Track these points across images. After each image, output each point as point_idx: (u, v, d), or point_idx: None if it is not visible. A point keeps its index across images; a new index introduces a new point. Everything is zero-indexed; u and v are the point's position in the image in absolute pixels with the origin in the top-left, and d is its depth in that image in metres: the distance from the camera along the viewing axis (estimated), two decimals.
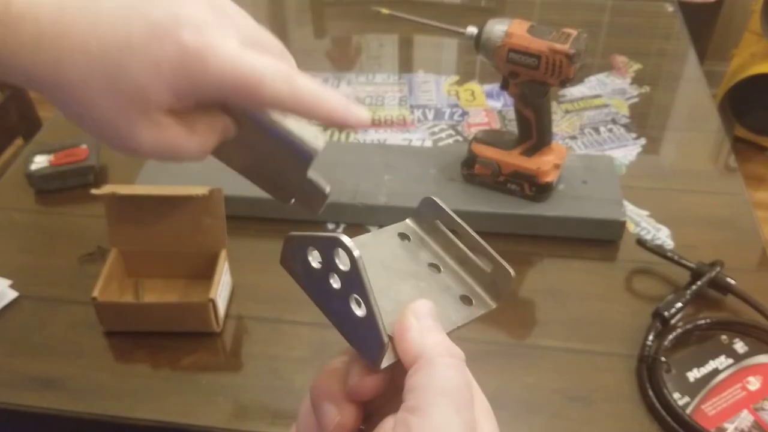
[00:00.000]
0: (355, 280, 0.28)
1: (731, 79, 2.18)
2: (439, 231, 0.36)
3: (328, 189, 0.37)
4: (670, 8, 1.41)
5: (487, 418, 0.30)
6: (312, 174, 0.37)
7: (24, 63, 0.31)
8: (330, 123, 0.35)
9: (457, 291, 0.34)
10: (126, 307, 0.74)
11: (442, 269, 0.35)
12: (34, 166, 0.94)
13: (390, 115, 1.09)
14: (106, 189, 0.74)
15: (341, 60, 1.30)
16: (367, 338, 0.29)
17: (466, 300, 0.34)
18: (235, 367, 0.72)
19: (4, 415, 0.68)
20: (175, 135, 0.34)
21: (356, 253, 0.28)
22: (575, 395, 0.68)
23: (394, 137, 1.04)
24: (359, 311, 0.29)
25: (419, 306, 0.31)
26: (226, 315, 0.75)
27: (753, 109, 2.26)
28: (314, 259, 0.31)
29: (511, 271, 0.33)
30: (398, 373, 0.30)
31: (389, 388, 0.31)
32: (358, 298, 0.29)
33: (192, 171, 0.90)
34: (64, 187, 0.94)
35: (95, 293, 0.71)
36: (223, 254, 0.76)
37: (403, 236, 0.36)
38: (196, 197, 0.73)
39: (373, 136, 1.05)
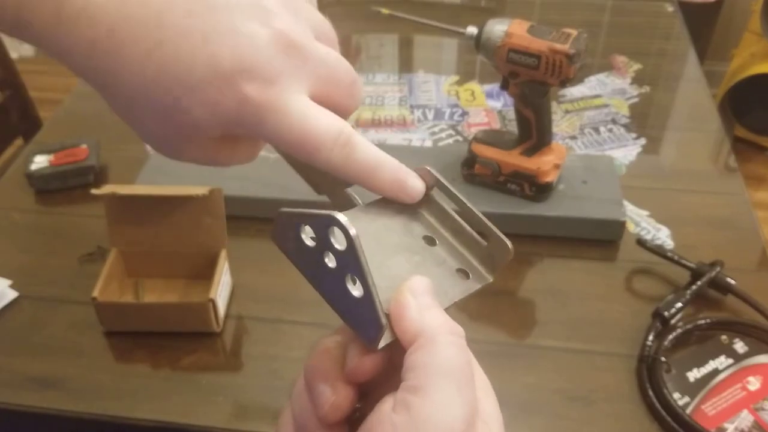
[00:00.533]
0: (351, 260, 0.28)
1: (731, 79, 2.18)
2: (433, 202, 0.35)
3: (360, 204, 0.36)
4: (670, 8, 1.41)
5: (487, 393, 0.30)
6: (350, 191, 0.36)
7: (76, 64, 0.29)
8: (385, 196, 0.34)
9: (453, 264, 0.34)
10: (126, 307, 0.74)
11: (437, 242, 0.34)
12: (34, 166, 0.94)
13: (390, 115, 1.09)
14: (106, 189, 0.74)
15: None
16: (363, 318, 0.29)
17: (462, 273, 0.33)
18: (235, 367, 0.72)
19: (4, 415, 0.68)
20: (223, 151, 0.33)
21: (353, 232, 0.27)
22: (575, 395, 0.68)
23: (394, 137, 1.04)
24: (355, 291, 0.29)
25: (416, 283, 0.30)
26: (226, 315, 0.75)
27: (753, 109, 2.26)
28: (307, 237, 0.30)
29: (509, 244, 0.32)
30: (396, 351, 0.29)
31: (386, 367, 0.31)
32: (355, 277, 0.28)
33: (192, 171, 0.90)
34: (64, 187, 0.94)
35: (95, 293, 0.71)
36: (223, 254, 0.76)
37: (396, 208, 0.35)
38: (196, 197, 0.73)
39: (373, 136, 1.05)
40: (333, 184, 0.36)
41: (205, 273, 0.75)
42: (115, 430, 0.67)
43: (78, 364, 0.71)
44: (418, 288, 0.30)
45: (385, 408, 0.28)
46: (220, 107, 0.29)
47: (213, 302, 0.71)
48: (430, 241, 0.34)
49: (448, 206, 0.35)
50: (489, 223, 0.33)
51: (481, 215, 0.33)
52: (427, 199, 0.35)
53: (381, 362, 0.30)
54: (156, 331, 0.73)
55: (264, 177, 0.88)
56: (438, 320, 0.29)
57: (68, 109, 1.13)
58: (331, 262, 0.29)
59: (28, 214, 0.93)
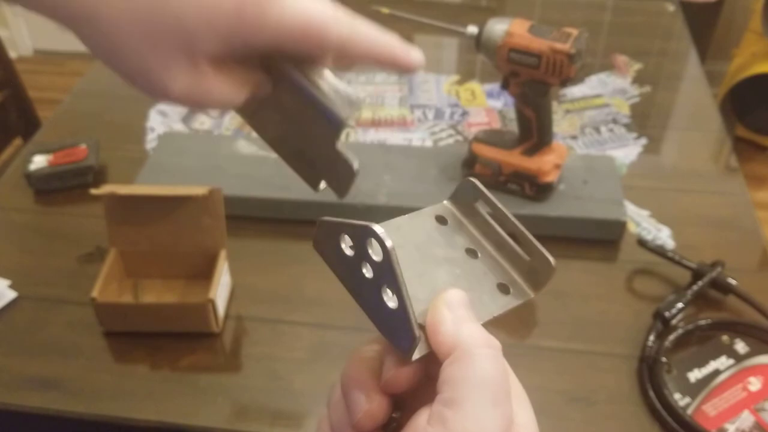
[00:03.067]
0: (387, 272, 0.28)
1: (732, 79, 2.18)
2: (477, 214, 0.35)
3: (356, 165, 0.35)
4: (671, 8, 1.41)
5: (522, 405, 0.30)
6: (341, 147, 0.35)
7: None
8: (391, 64, 0.34)
9: (494, 279, 0.33)
10: (125, 307, 0.74)
11: (479, 255, 0.34)
12: (33, 166, 0.94)
13: (390, 115, 1.09)
14: (106, 189, 0.73)
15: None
16: (398, 329, 0.29)
17: (503, 288, 0.33)
18: (234, 368, 0.71)
19: (4, 415, 0.68)
20: (211, 84, 0.32)
21: (389, 244, 0.27)
22: (576, 396, 0.68)
23: (394, 137, 1.04)
24: (391, 302, 0.29)
25: (452, 296, 0.30)
26: (226, 315, 0.75)
27: (754, 109, 2.25)
28: (346, 246, 0.30)
29: (552, 260, 0.32)
30: (432, 363, 0.29)
31: (423, 378, 0.30)
32: (390, 288, 0.28)
33: (192, 171, 0.90)
34: (63, 187, 0.94)
35: (94, 293, 0.70)
36: (223, 254, 0.75)
37: (440, 219, 0.35)
38: (196, 197, 0.73)
39: (373, 136, 1.04)
40: (325, 147, 0.35)
41: (205, 273, 0.74)
42: (115, 431, 0.67)
43: (77, 365, 0.71)
44: (454, 300, 0.30)
45: (421, 421, 0.28)
46: (219, 7, 0.28)
47: (212, 302, 0.71)
48: (472, 253, 0.34)
49: (492, 219, 0.35)
50: (532, 238, 0.33)
51: (524, 230, 0.33)
52: (471, 212, 0.35)
53: (416, 374, 0.30)
54: (155, 331, 0.73)
55: (264, 177, 0.87)
56: (474, 333, 0.29)
57: (67, 109, 1.13)
58: (368, 272, 0.30)
59: (27, 214, 0.93)
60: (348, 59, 0.34)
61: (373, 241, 0.28)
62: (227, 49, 0.30)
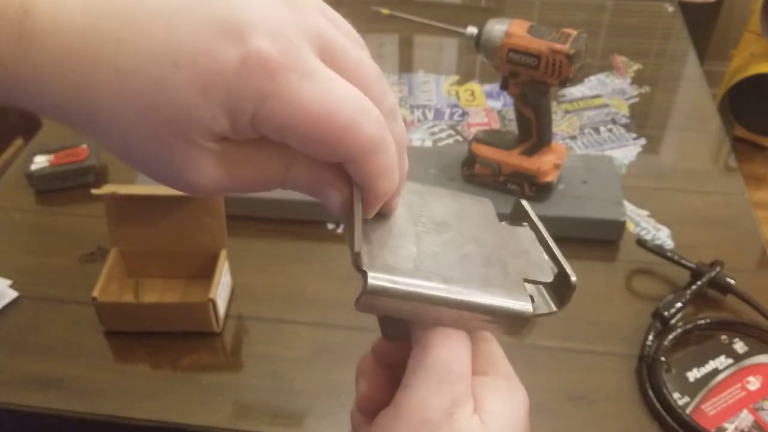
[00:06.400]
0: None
1: (731, 79, 2.18)
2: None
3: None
4: (670, 8, 1.41)
5: (495, 392, 0.31)
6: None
7: (48, 89, 0.24)
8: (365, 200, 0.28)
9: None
10: (126, 306, 0.74)
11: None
12: (34, 166, 0.94)
13: None
14: (106, 189, 0.74)
15: None
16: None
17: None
18: (235, 367, 0.72)
19: (4, 415, 0.68)
20: (247, 168, 0.27)
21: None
22: (575, 395, 0.68)
23: None
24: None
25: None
26: (226, 315, 0.75)
27: (753, 109, 2.25)
28: None
29: (573, 277, 0.33)
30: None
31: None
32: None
33: None
34: (64, 187, 0.94)
35: (95, 293, 0.71)
36: (223, 254, 0.76)
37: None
38: (196, 197, 0.73)
39: None
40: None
41: (205, 273, 0.75)
42: (115, 430, 0.67)
43: (78, 364, 0.71)
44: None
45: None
46: (214, 76, 0.23)
47: (213, 302, 0.71)
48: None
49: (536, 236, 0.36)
50: (558, 255, 0.34)
51: (553, 246, 0.35)
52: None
53: (402, 345, 0.32)
54: (156, 330, 0.73)
55: None
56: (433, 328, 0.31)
57: None
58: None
59: (28, 214, 0.93)
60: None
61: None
62: (237, 127, 0.25)
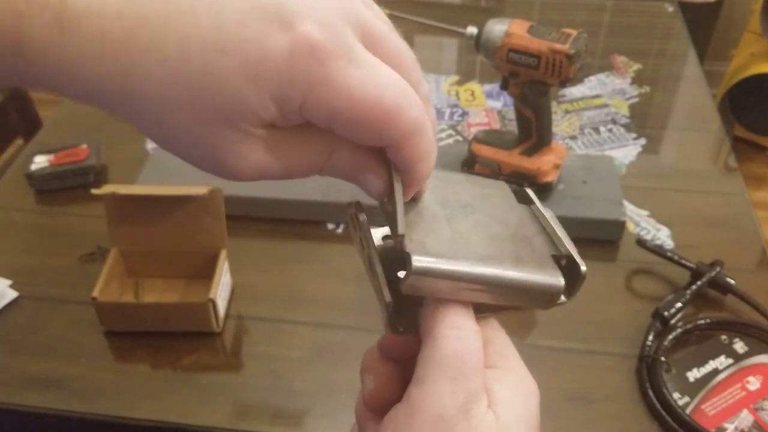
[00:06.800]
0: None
1: (731, 79, 2.18)
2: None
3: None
4: (670, 8, 1.41)
5: (506, 385, 0.31)
6: None
7: (85, 74, 0.23)
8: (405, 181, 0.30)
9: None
10: (126, 306, 0.74)
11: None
12: (34, 166, 0.94)
13: None
14: (106, 189, 0.74)
15: None
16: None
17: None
18: (235, 367, 0.72)
19: (4, 415, 0.68)
20: (292, 153, 0.27)
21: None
22: (575, 395, 0.68)
23: None
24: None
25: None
26: (226, 315, 0.75)
27: (753, 109, 2.26)
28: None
29: (583, 267, 0.33)
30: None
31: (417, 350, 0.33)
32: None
33: (193, 171, 0.90)
34: (64, 187, 0.94)
35: (95, 293, 0.71)
36: (223, 254, 0.76)
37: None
38: (196, 197, 0.73)
39: None
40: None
41: (205, 273, 0.75)
42: (115, 430, 0.67)
43: (78, 364, 0.72)
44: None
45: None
46: (265, 63, 0.23)
47: (213, 302, 0.71)
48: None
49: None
50: (568, 244, 0.34)
51: (562, 236, 0.34)
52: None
53: (409, 341, 0.32)
54: (156, 330, 0.73)
55: None
56: (444, 314, 0.30)
57: (68, 109, 1.13)
58: None
59: (28, 214, 0.93)
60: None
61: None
62: (285, 114, 0.25)
